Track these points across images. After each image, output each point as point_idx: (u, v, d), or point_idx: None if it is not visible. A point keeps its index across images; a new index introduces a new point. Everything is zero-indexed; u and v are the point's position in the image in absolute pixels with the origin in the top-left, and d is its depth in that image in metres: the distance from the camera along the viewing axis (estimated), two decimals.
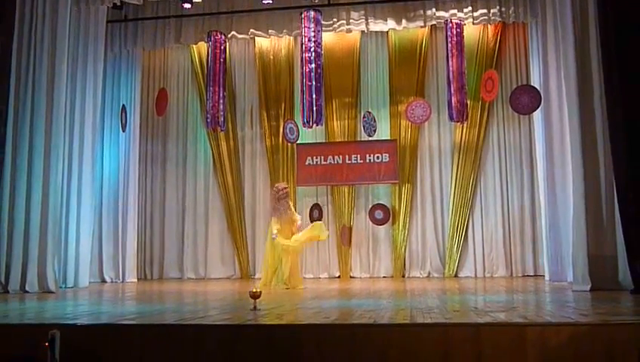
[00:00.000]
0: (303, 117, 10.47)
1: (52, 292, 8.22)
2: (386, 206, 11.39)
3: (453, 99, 10.46)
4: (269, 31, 11.36)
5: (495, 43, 11.34)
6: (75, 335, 4.19)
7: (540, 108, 9.32)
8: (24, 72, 8.72)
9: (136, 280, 11.28)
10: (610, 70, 7.25)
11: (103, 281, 10.93)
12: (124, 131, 11.28)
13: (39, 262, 8.38)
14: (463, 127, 11.17)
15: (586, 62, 7.58)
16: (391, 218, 11.34)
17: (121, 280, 11.02)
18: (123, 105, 11.32)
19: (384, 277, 11.34)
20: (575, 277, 7.50)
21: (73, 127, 9.73)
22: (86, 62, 10.01)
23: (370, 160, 11.49)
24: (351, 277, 11.39)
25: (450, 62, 10.58)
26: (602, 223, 7.34)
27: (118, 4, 10.17)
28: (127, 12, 11.50)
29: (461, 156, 11.25)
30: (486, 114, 11.31)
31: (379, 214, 11.32)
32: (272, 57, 12.02)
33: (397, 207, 11.38)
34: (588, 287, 7.15)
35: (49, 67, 8.74)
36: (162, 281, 11.34)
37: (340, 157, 11.58)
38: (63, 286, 9.27)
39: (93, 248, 10.43)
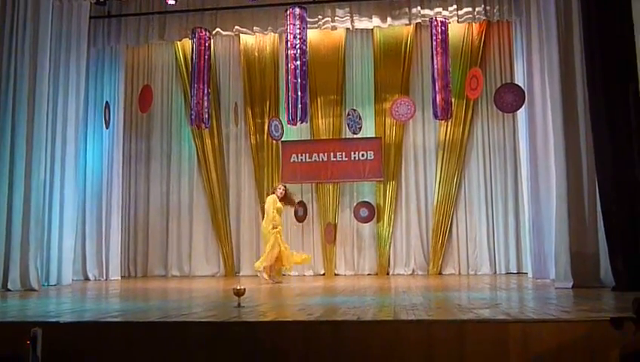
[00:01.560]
0: (288, 114, 10.44)
1: (34, 290, 8.15)
2: (370, 203, 11.41)
3: (438, 97, 10.49)
4: (254, 28, 11.32)
5: (480, 41, 11.39)
6: (58, 333, 4.16)
7: (523, 106, 9.38)
8: (5, 69, 8.63)
9: (120, 277, 11.24)
10: (593, 69, 7.31)
11: (87, 279, 10.85)
12: (107, 128, 11.21)
13: (21, 260, 8.31)
14: (447, 124, 11.23)
15: (569, 61, 7.65)
16: (375, 215, 11.37)
17: (104, 277, 10.95)
18: (106, 102, 11.26)
19: (369, 274, 11.36)
20: (557, 275, 7.57)
21: (56, 124, 9.67)
22: (68, 58, 9.93)
23: (355, 157, 11.50)
24: (335, 274, 11.40)
25: (434, 60, 10.60)
26: (584, 221, 7.40)
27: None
28: (110, 8, 11.42)
29: (445, 154, 11.29)
30: (470, 112, 11.36)
31: (364, 212, 11.34)
32: (256, 54, 11.99)
33: (382, 205, 11.41)
34: (570, 284, 7.22)
35: (31, 63, 8.66)
36: (146, 279, 11.28)
37: (325, 154, 11.58)
38: (46, 284, 9.21)
39: (76, 246, 10.37)
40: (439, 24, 10.68)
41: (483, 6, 10.66)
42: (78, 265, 10.69)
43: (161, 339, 4.20)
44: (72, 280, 9.97)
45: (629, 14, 7.00)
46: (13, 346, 4.02)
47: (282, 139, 11.52)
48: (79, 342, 4.21)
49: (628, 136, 7.04)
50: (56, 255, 9.57)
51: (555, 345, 3.90)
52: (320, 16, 11.14)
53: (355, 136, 11.29)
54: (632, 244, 6.87)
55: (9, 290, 8.15)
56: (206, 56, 11.18)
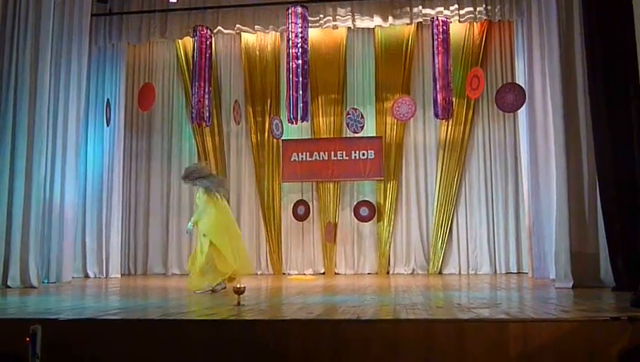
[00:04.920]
0: (289, 113, 10.44)
1: (34, 288, 8.15)
2: (371, 203, 11.40)
3: (439, 97, 10.49)
4: (256, 26, 11.33)
5: (481, 41, 11.38)
6: (57, 331, 4.16)
7: (524, 106, 9.38)
8: (6, 66, 8.62)
9: (119, 275, 11.24)
10: (595, 69, 7.30)
11: (87, 277, 10.86)
12: (108, 126, 11.21)
13: (21, 257, 8.31)
14: (448, 124, 11.22)
15: (570, 61, 7.64)
16: (376, 215, 11.36)
17: (104, 275, 10.96)
18: (107, 99, 11.26)
19: (369, 273, 11.37)
20: (557, 275, 7.56)
21: (57, 122, 9.64)
22: (70, 56, 9.89)
23: (355, 156, 11.50)
24: (335, 273, 11.41)
25: (436, 60, 10.60)
26: (585, 221, 7.40)
27: None
28: (112, 6, 11.45)
29: (446, 153, 11.29)
30: (471, 111, 11.35)
31: (364, 211, 11.34)
32: (258, 53, 11.98)
33: (382, 204, 11.41)
34: (570, 284, 7.21)
35: (32, 61, 8.65)
36: (146, 277, 11.29)
37: (326, 153, 11.57)
38: (46, 281, 9.20)
39: (76, 243, 10.38)
40: (440, 23, 10.68)
41: (484, 6, 10.69)
42: (78, 262, 10.70)
43: (161, 337, 4.19)
44: (72, 277, 9.96)
45: (630, 14, 6.99)
46: (12, 343, 4.02)
47: (283, 138, 11.52)
48: (79, 339, 4.21)
49: (628, 136, 7.02)
50: (56, 252, 9.54)
51: (555, 345, 3.90)
52: (321, 15, 11.15)
53: (355, 135, 11.29)
54: (632, 244, 6.86)
55: (9, 287, 8.14)
56: (207, 55, 11.19)
